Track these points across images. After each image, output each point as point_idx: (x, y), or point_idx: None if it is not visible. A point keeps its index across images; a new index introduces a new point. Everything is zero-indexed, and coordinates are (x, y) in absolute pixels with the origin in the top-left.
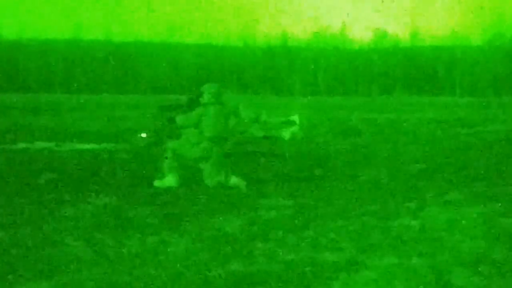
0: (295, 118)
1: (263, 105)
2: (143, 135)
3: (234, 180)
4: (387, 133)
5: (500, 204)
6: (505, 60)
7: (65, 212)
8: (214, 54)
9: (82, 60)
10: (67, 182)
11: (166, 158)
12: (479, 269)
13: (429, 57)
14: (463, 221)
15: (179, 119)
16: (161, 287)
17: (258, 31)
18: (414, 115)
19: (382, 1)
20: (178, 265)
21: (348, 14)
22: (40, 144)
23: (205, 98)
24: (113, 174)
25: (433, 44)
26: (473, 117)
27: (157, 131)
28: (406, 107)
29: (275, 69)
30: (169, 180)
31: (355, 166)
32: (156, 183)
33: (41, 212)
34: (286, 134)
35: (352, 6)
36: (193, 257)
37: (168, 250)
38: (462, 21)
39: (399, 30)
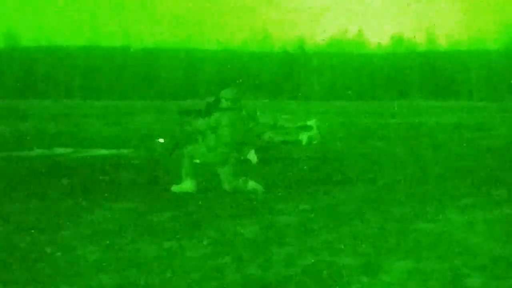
0: (312, 122)
1: (280, 110)
2: (161, 140)
3: (251, 185)
4: (404, 137)
5: None
6: None
7: (83, 218)
8: (231, 60)
9: (100, 66)
10: (85, 188)
11: (184, 163)
12: (496, 272)
13: (445, 61)
14: (481, 225)
15: (197, 124)
16: None
17: (275, 36)
18: (431, 119)
19: (399, 6)
20: (196, 270)
21: (364, 19)
22: (58, 150)
23: (223, 103)
24: (131, 179)
25: (449, 49)
26: (490, 121)
27: (175, 136)
28: (423, 112)
29: (292, 74)
30: (187, 186)
31: (372, 171)
32: (174, 188)
33: (59, 217)
34: (303, 138)
35: (369, 11)
36: (210, 262)
37: (186, 255)
38: (478, 25)
39: (415, 34)
